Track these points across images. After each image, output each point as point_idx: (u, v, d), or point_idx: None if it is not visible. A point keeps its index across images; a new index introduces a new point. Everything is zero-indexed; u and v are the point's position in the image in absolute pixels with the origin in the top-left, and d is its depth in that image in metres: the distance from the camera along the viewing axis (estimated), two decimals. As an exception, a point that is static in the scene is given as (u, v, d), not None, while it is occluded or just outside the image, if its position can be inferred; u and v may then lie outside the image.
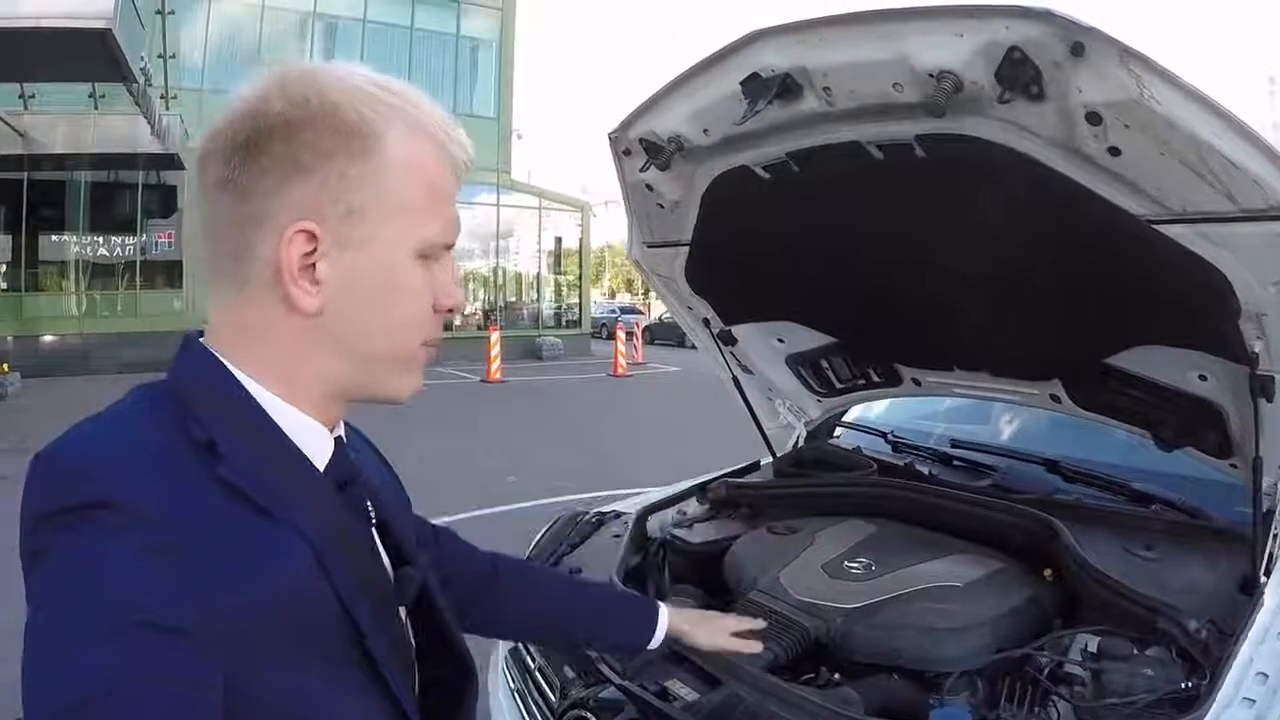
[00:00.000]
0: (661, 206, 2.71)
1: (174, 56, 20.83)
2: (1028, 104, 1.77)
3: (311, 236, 1.00)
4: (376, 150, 1.02)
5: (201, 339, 1.07)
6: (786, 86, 2.00)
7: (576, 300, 31.42)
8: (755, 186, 2.39)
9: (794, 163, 2.25)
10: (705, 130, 2.29)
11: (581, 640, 2.00)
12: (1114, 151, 1.77)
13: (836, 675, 2.14)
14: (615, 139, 2.54)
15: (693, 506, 3.17)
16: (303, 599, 0.97)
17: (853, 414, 3.83)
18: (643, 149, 2.47)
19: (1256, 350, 2.01)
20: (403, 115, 1.05)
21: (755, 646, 1.98)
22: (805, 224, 2.51)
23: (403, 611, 1.19)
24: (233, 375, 1.03)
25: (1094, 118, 1.72)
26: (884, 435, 3.53)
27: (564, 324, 30.65)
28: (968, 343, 2.76)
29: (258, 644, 0.91)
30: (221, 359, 1.04)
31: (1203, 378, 2.26)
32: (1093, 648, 2.01)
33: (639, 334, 28.09)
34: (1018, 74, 1.71)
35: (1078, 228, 1.99)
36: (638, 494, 3.50)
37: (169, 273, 23.42)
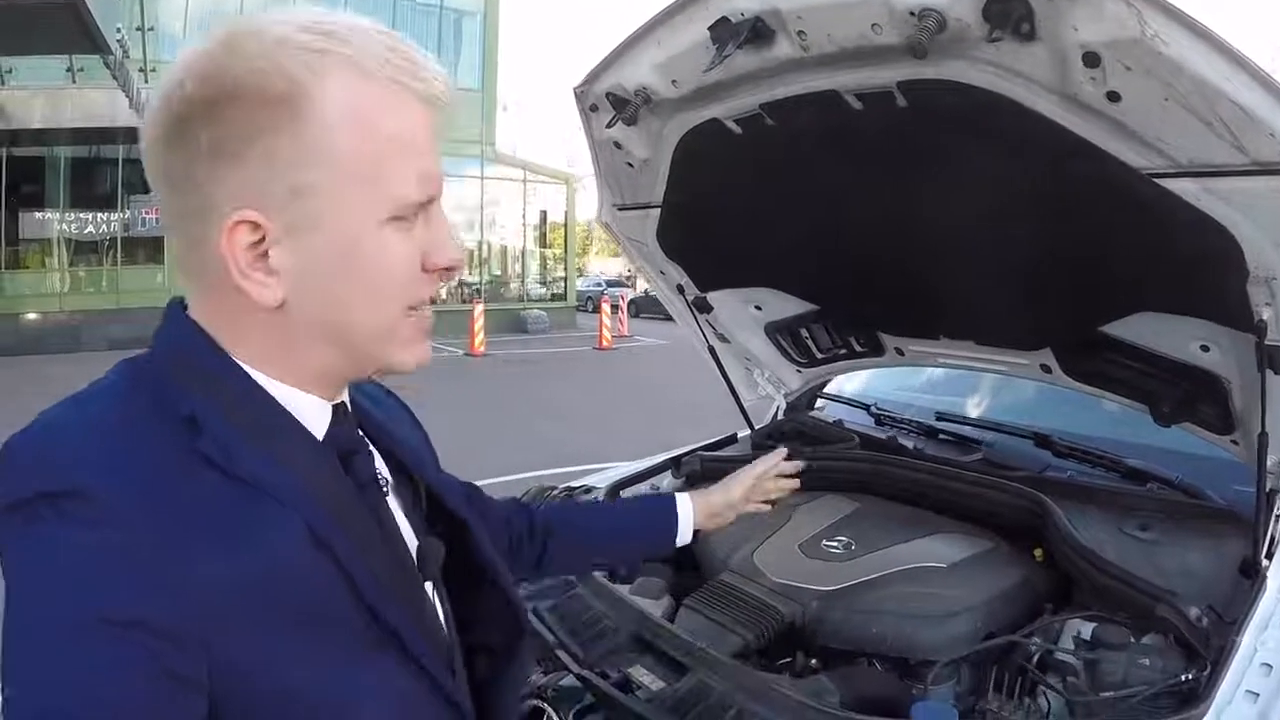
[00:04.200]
0: (630, 165, 2.57)
1: (152, 28, 20.63)
2: (1018, 45, 1.61)
3: (255, 226, 0.91)
4: (310, 113, 0.90)
5: (186, 311, 1.00)
6: (757, 30, 1.85)
7: (562, 274, 31.42)
8: (728, 141, 2.24)
9: (768, 115, 2.10)
10: (674, 81, 2.15)
11: (613, 564, 2.06)
12: (1113, 97, 1.61)
13: (813, 661, 2.04)
14: (580, 94, 2.39)
15: (666, 481, 3.05)
16: (295, 575, 0.91)
17: (834, 385, 3.70)
18: (609, 104, 2.33)
19: (1265, 318, 1.87)
20: (337, 60, 0.91)
21: (793, 483, 2.02)
22: (781, 182, 2.37)
23: (430, 585, 1.12)
24: (217, 346, 0.97)
25: (1091, 59, 1.56)
26: (866, 408, 3.40)
27: (549, 297, 30.69)
28: (954, 309, 2.62)
29: (248, 626, 0.86)
30: (206, 329, 0.98)
31: (1205, 348, 2.14)
32: (1086, 634, 1.90)
33: (624, 307, 28.04)
34: (1007, 11, 1.55)
35: (1072, 182, 1.85)
36: (612, 468, 3.37)
37: (152, 248, 23.31)
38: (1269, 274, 1.79)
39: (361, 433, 1.14)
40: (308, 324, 0.97)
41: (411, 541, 1.13)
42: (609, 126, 2.38)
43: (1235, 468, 2.31)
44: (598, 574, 2.29)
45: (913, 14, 1.63)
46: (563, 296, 30.92)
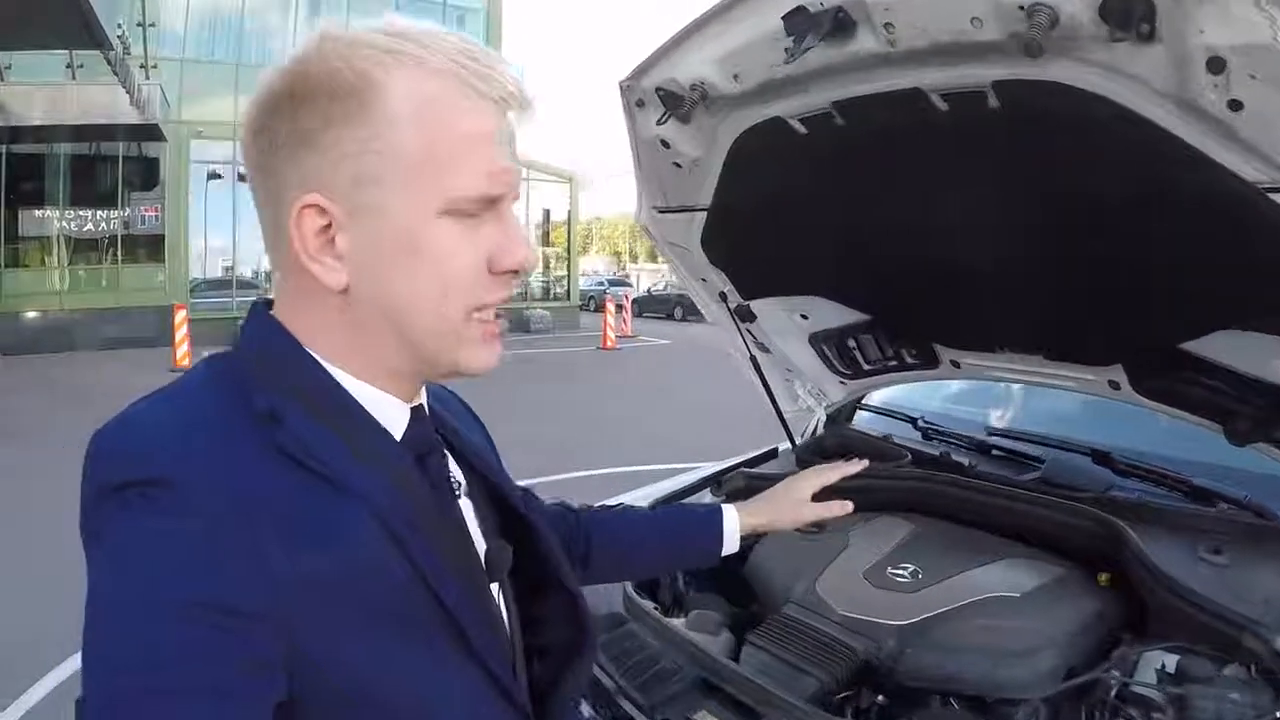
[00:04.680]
0: (678, 166, 2.43)
1: (154, 25, 20.71)
2: (1134, 46, 1.48)
3: (322, 210, 0.97)
4: (377, 106, 0.96)
5: (270, 310, 1.06)
6: (839, 22, 1.72)
7: (564, 273, 31.54)
8: (789, 142, 2.10)
9: (839, 114, 1.95)
10: (735, 76, 2.01)
11: (656, 573, 2.13)
12: (1235, 105, 1.47)
13: (880, 698, 1.93)
14: (627, 88, 2.26)
15: (706, 499, 2.91)
16: (370, 571, 0.94)
17: (872, 397, 3.56)
18: (659, 100, 2.19)
19: None
20: (408, 58, 0.97)
21: (845, 507, 1.85)
22: (844, 186, 2.22)
23: (495, 587, 1.15)
24: (297, 343, 1.02)
25: (1216, 64, 1.42)
26: (913, 421, 3.25)
27: (552, 296, 30.84)
28: (1021, 322, 2.49)
29: (322, 619, 0.89)
30: (287, 328, 1.03)
31: (1288, 366, 2.01)
32: (1170, 667, 1.80)
33: (628, 306, 28.02)
34: (1128, 9, 1.42)
35: (1175, 194, 1.71)
36: (646, 470, 3.26)
37: (152, 247, 23.35)
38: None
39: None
40: (372, 313, 1.01)
41: (480, 543, 1.16)
42: (660, 123, 2.25)
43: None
44: (649, 606, 2.18)
45: (1021, 8, 1.50)
46: (566, 295, 31.08)
